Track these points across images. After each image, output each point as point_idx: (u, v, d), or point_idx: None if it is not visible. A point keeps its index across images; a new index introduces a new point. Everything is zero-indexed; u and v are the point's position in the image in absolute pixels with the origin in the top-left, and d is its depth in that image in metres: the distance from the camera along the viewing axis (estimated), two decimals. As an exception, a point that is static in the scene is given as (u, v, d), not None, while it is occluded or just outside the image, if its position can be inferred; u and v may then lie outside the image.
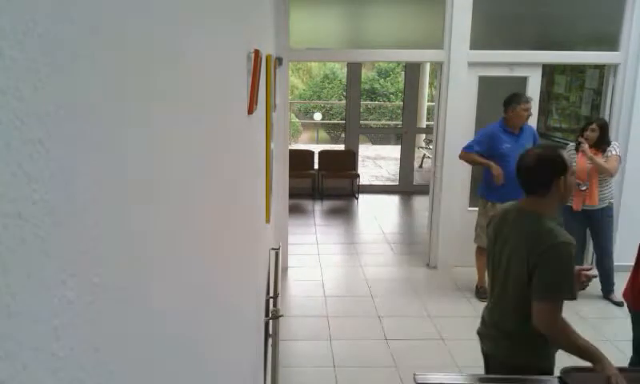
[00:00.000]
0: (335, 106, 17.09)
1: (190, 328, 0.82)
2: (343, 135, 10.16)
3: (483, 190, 4.98)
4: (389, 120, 16.56)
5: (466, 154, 4.89)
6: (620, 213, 5.51)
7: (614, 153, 4.71)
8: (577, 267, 2.29)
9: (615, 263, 5.51)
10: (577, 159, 4.76)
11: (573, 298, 2.14)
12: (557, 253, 2.15)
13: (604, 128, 4.73)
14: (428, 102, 11.75)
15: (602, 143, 4.71)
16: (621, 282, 5.22)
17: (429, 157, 10.53)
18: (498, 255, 2.41)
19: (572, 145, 4.90)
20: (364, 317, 4.68)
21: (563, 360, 2.42)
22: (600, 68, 6.32)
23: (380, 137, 15.44)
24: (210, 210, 0.98)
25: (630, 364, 4.34)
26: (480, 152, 4.79)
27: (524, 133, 4.83)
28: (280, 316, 2.62)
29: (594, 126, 4.70)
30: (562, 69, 7.23)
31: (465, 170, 5.57)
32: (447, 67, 5.35)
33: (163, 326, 0.64)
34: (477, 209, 5.20)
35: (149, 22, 0.57)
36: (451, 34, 5.26)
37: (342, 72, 16.60)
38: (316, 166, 8.99)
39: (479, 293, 5.09)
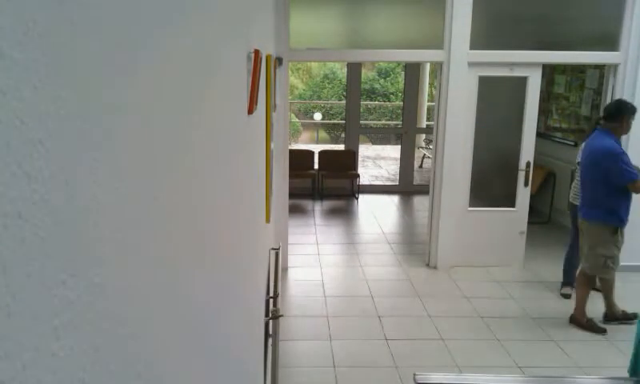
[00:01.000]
0: (335, 106, 17.09)
1: (190, 328, 0.82)
2: (343, 135, 10.16)
3: (609, 216, 4.25)
4: (389, 120, 16.55)
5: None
6: (620, 213, 5.50)
7: None
8: None
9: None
10: None
11: None
12: None
13: None
14: (428, 101, 11.75)
15: None
16: (620, 281, 5.22)
17: (429, 157, 10.53)
18: None
19: None
20: (364, 317, 4.68)
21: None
22: (600, 68, 6.33)
23: (380, 137, 15.44)
24: (209, 210, 0.98)
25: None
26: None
27: None
28: (280, 316, 2.62)
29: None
30: (562, 69, 7.24)
31: (465, 170, 5.58)
32: (447, 67, 5.35)
33: (163, 326, 0.65)
34: (478, 208, 5.19)
35: (149, 21, 0.57)
36: (451, 34, 5.27)
37: (341, 72, 16.60)
38: (316, 166, 9.00)
39: (588, 325, 4.50)
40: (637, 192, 4.16)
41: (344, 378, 3.77)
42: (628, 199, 4.23)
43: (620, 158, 4.13)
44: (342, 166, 8.94)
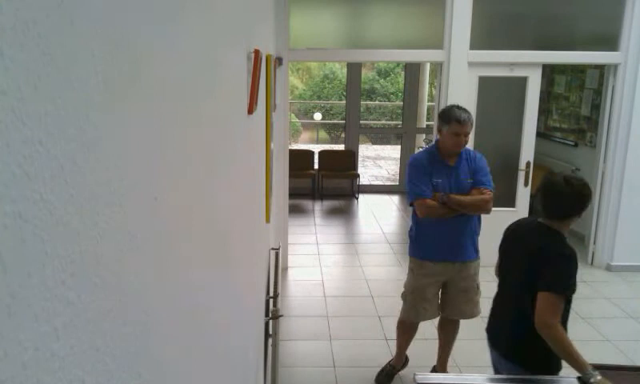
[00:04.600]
0: (335, 106, 17.09)
1: (190, 328, 0.82)
2: (343, 135, 10.16)
3: (418, 248, 3.55)
4: (389, 120, 16.56)
5: (425, 203, 3.31)
6: (620, 213, 5.51)
7: None
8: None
9: (615, 263, 5.53)
10: None
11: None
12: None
13: None
14: (428, 102, 11.75)
15: None
16: (620, 281, 5.22)
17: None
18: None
19: None
20: (364, 317, 4.68)
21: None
22: (600, 68, 6.32)
23: (380, 137, 15.45)
24: (209, 210, 0.98)
25: None
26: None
27: (463, 162, 3.47)
28: (280, 316, 2.62)
29: None
30: (562, 69, 7.23)
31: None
32: (447, 67, 5.35)
33: (163, 326, 0.65)
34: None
35: (149, 21, 0.57)
36: (451, 34, 5.27)
37: (341, 72, 16.60)
38: (316, 166, 9.00)
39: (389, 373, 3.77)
40: (429, 214, 3.32)
41: (344, 378, 3.77)
42: (424, 228, 3.44)
43: (410, 176, 3.38)
44: (342, 166, 8.94)
